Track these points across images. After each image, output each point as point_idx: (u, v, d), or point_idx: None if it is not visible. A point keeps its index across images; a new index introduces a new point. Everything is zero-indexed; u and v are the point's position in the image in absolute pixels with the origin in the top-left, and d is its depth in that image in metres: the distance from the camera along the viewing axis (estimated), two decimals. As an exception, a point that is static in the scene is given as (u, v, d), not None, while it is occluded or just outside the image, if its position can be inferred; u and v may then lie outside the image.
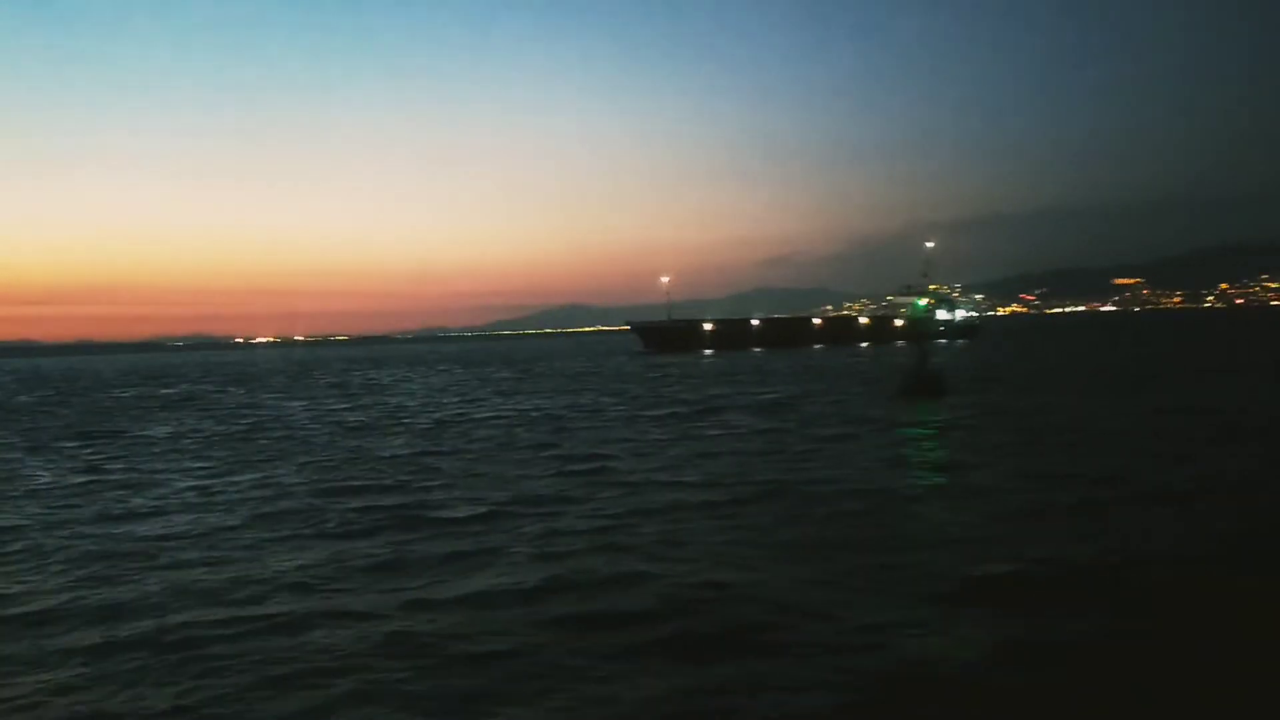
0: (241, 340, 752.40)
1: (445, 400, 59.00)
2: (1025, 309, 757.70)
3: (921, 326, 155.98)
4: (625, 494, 23.04)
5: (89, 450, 37.29)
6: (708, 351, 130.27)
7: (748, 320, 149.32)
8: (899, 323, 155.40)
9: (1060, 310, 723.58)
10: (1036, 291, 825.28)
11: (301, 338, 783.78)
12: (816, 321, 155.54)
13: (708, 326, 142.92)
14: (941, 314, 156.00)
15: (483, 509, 21.56)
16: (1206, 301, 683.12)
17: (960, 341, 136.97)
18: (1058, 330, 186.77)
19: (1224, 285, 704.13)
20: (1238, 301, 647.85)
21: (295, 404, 60.42)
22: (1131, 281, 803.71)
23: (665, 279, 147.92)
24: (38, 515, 22.95)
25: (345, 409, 54.23)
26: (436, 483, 25.79)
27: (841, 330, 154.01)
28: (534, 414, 45.90)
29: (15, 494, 26.65)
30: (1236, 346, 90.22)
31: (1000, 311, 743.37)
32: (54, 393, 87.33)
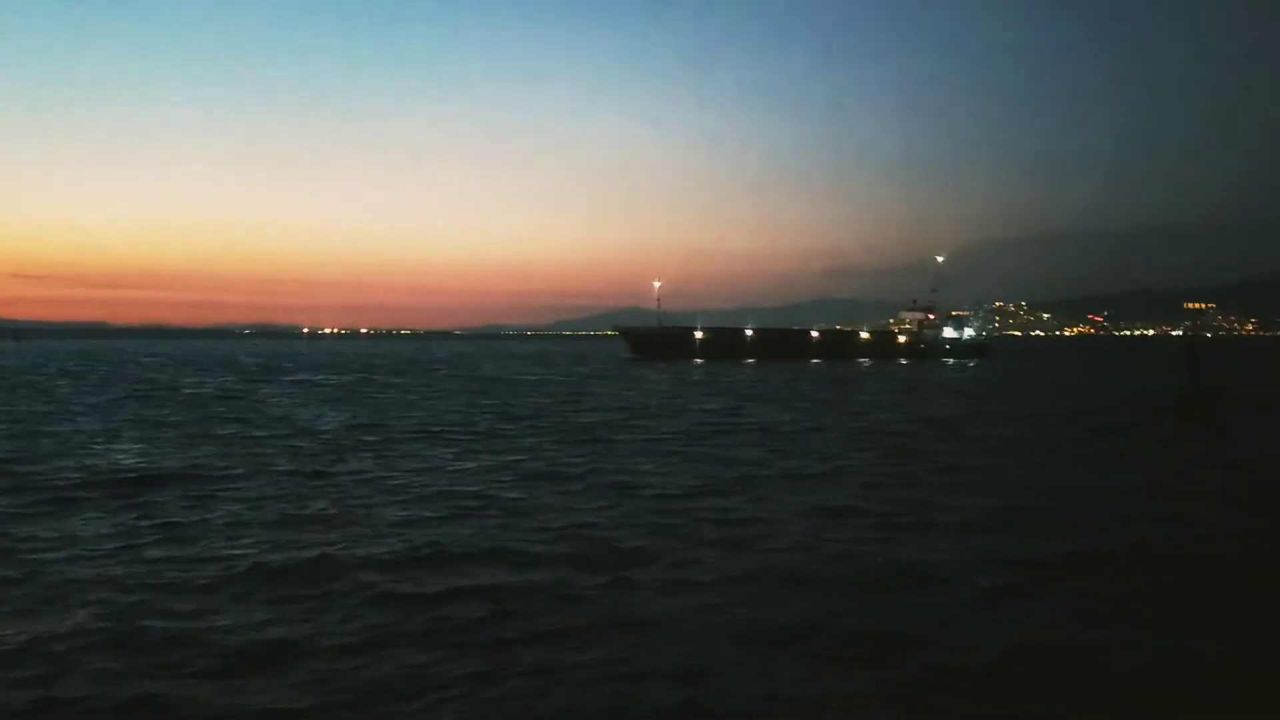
0: (308, 330, 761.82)
1: (704, 404, 56.80)
2: (1092, 330, 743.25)
3: (924, 344, 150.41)
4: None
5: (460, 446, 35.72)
6: (697, 360, 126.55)
7: (741, 330, 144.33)
8: (902, 339, 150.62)
9: (1129, 333, 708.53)
10: (1104, 313, 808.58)
11: (366, 330, 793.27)
12: (814, 334, 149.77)
13: (699, 335, 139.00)
14: (948, 332, 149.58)
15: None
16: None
17: (971, 362, 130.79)
18: (1101, 354, 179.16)
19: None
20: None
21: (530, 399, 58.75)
22: (1202, 306, 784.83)
23: (657, 284, 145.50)
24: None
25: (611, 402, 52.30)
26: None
27: (841, 344, 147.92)
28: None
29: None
30: None
31: (1067, 332, 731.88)
32: (235, 379, 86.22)
